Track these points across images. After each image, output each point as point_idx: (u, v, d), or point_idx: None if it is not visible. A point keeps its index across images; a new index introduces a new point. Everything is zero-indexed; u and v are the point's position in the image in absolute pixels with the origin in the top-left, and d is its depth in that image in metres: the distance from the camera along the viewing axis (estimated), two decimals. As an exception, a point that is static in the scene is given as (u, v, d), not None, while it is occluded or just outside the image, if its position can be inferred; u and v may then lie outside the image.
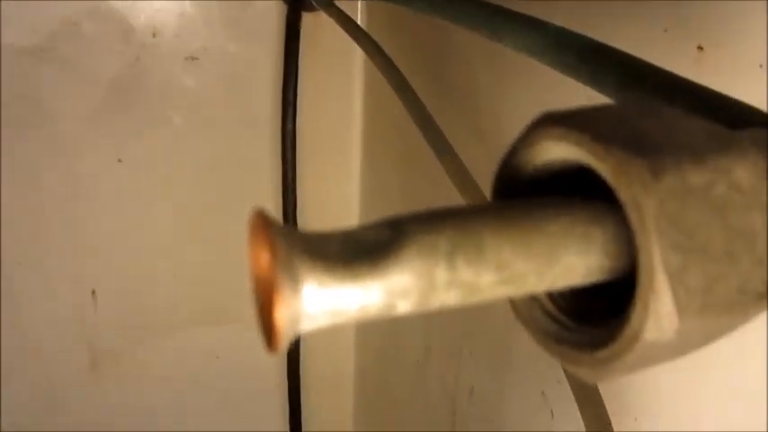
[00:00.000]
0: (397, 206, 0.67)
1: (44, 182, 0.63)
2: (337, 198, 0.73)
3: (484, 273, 0.11)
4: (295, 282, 0.09)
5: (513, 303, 0.13)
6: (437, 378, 0.59)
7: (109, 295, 0.68)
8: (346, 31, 0.47)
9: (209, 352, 0.74)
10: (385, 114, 0.67)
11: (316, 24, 0.65)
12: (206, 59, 0.65)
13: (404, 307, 0.10)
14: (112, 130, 0.64)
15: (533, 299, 0.13)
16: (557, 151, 0.12)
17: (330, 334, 0.77)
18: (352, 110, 0.70)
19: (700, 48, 0.29)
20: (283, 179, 0.61)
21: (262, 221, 0.10)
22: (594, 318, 0.12)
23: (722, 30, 0.28)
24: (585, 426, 0.25)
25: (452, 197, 0.54)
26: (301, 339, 0.70)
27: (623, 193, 0.10)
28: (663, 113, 0.12)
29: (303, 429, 0.71)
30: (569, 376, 0.26)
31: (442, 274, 0.10)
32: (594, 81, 0.23)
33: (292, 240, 0.10)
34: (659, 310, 0.10)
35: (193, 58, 0.65)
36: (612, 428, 0.24)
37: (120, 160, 0.65)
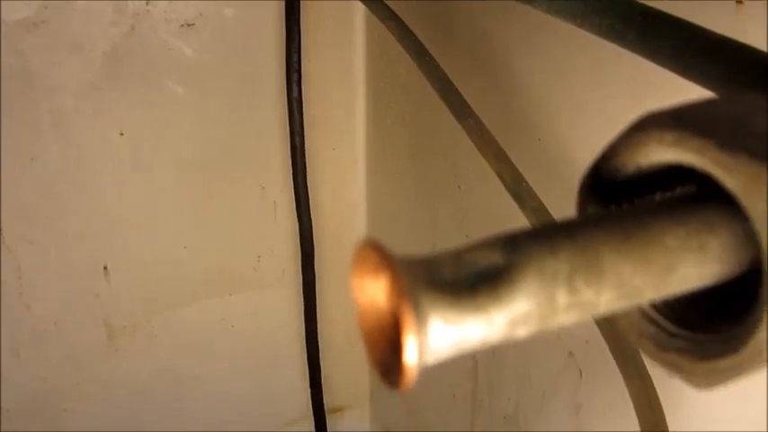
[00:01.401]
0: (403, 167, 0.66)
1: (46, 159, 0.62)
2: (343, 161, 0.72)
3: (604, 291, 0.10)
4: (423, 320, 0.09)
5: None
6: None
7: (121, 270, 0.67)
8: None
9: (223, 321, 0.74)
10: (388, 75, 0.65)
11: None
12: (203, 26, 0.63)
13: (523, 332, 0.10)
14: (111, 103, 0.62)
15: (632, 303, 0.12)
16: (667, 155, 0.11)
17: (343, 297, 0.78)
18: (355, 72, 0.68)
19: (739, 1, 0.28)
20: (291, 145, 0.59)
21: (377, 252, 0.09)
22: (695, 320, 0.12)
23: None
24: (632, 398, 0.25)
25: (462, 155, 0.53)
26: (317, 308, 0.70)
27: (753, 208, 0.10)
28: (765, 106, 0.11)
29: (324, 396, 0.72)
30: (612, 348, 0.26)
31: (563, 297, 0.10)
32: (645, 47, 0.22)
33: (414, 273, 0.09)
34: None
35: (190, 25, 0.63)
36: (659, 400, 0.24)
37: (121, 133, 0.64)
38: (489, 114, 0.38)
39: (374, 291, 0.10)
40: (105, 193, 0.65)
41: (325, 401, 0.77)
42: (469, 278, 0.10)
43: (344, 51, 0.67)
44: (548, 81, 0.42)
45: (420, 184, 0.62)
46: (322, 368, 0.74)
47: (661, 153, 0.11)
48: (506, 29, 0.45)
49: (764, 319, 0.10)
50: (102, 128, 0.63)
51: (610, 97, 0.37)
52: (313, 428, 0.76)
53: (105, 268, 0.67)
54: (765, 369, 0.11)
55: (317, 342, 0.71)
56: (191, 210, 0.68)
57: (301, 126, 0.58)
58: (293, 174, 0.61)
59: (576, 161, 0.39)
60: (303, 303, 0.70)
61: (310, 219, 0.65)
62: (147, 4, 0.60)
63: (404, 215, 0.67)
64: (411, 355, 0.09)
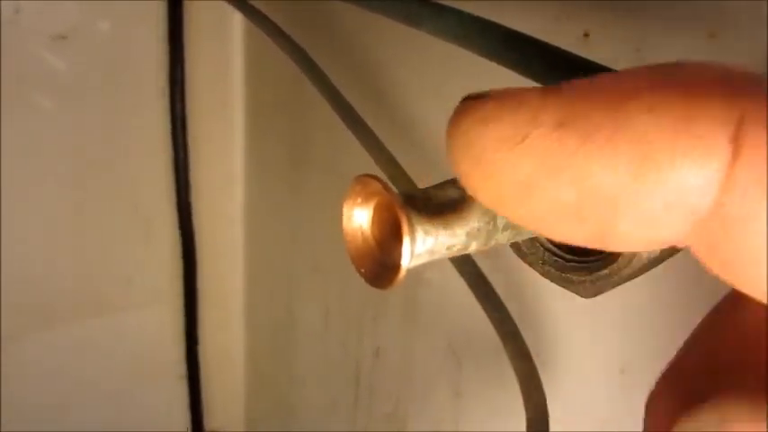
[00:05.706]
0: (283, 182, 0.68)
1: None
2: (221, 178, 0.73)
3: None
4: (413, 230, 0.12)
5: (519, 248, 0.17)
6: (338, 344, 0.62)
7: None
8: (243, 12, 0.47)
9: (88, 345, 0.71)
10: (268, 91, 0.68)
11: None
12: (76, 39, 0.62)
13: (474, 246, 0.14)
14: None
15: (536, 241, 0.17)
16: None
17: (220, 317, 0.78)
18: (234, 87, 0.70)
19: (586, 34, 0.34)
20: (174, 162, 0.60)
21: (375, 182, 0.13)
22: (583, 249, 0.16)
23: (606, 17, 0.34)
24: (516, 375, 0.29)
25: (346, 167, 0.57)
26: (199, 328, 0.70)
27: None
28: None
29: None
30: (499, 332, 0.31)
31: (501, 220, 0.14)
32: (519, 66, 0.27)
33: (407, 201, 0.12)
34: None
35: (62, 38, 0.61)
36: (539, 376, 0.29)
37: (-13, 149, 0.60)
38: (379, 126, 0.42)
39: (362, 217, 0.13)
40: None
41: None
42: (437, 206, 0.13)
43: (222, 66, 0.68)
44: (427, 99, 0.47)
45: (301, 198, 0.65)
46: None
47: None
48: (388, 48, 0.49)
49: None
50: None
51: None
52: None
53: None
54: (635, 276, 0.15)
55: (198, 362, 0.70)
56: (55, 229, 0.66)
57: (185, 142, 0.59)
58: (176, 190, 0.61)
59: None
60: (184, 322, 0.69)
61: (193, 237, 0.65)
62: (16, 13, 0.58)
63: (284, 231, 0.69)
64: (405, 258, 0.12)
